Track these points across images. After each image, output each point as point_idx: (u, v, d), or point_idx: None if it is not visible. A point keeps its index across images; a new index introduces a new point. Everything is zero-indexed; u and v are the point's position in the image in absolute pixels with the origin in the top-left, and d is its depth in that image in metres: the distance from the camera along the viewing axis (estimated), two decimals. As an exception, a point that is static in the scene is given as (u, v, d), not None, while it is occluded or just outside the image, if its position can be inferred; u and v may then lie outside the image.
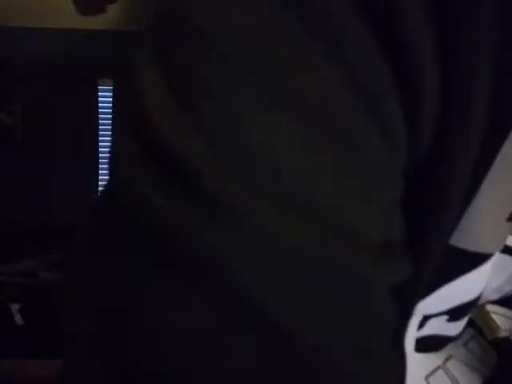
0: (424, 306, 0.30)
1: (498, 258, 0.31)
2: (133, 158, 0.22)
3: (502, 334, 0.36)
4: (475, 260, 0.29)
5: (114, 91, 1.45)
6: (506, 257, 0.32)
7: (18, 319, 1.21)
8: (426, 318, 0.33)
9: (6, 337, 1.16)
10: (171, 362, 0.21)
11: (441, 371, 0.37)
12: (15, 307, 1.22)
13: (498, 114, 0.25)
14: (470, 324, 0.35)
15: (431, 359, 0.37)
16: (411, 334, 0.32)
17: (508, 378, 0.36)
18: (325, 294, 0.22)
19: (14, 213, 1.43)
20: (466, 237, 0.28)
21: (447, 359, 0.38)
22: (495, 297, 0.36)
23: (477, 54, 0.23)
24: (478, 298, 0.32)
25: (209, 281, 0.20)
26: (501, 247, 0.30)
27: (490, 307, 0.37)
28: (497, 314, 0.37)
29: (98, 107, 1.45)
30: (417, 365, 0.36)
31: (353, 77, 0.21)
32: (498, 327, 0.37)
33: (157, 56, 0.22)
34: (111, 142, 0.25)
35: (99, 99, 1.46)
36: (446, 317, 0.33)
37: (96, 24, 1.33)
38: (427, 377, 0.36)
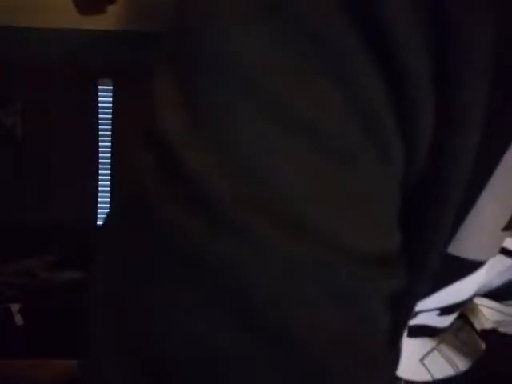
0: (419, 307, 0.31)
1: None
2: (146, 171, 0.23)
3: (490, 325, 0.38)
4: (470, 267, 0.30)
5: (113, 91, 1.45)
6: (499, 256, 0.33)
7: (18, 319, 1.21)
8: (418, 312, 0.34)
9: (6, 337, 1.16)
10: (190, 363, 0.22)
11: (435, 352, 0.38)
12: (15, 307, 1.22)
13: (497, 127, 0.26)
14: (459, 315, 0.37)
15: (425, 343, 0.38)
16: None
17: (495, 368, 0.38)
18: (325, 304, 0.23)
19: (14, 213, 1.43)
20: (462, 246, 0.29)
21: (439, 343, 0.39)
22: (484, 291, 0.37)
23: (472, 69, 0.24)
24: (470, 298, 0.34)
25: (220, 291, 0.22)
26: (495, 254, 0.31)
27: (478, 300, 0.38)
28: (485, 307, 0.38)
29: (97, 107, 1.45)
30: (411, 348, 0.37)
31: (352, 97, 0.22)
32: (486, 319, 0.38)
33: (170, 75, 0.23)
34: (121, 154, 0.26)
35: (99, 99, 1.46)
36: (437, 312, 0.34)
37: (96, 24, 1.33)
38: (422, 359, 0.38)
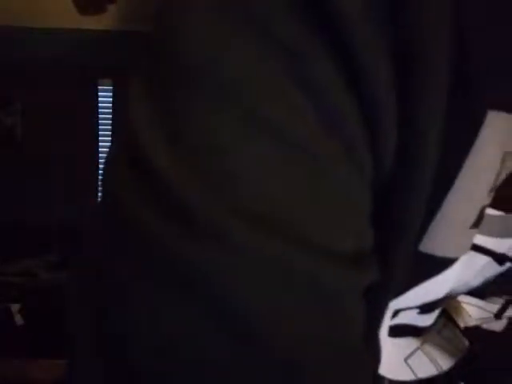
0: (395, 304, 0.32)
1: (469, 255, 0.33)
2: (126, 183, 0.24)
3: (473, 322, 0.39)
4: (442, 264, 0.31)
5: (113, 91, 1.45)
6: (472, 253, 0.34)
7: (18, 319, 1.21)
8: (398, 310, 0.35)
9: (6, 337, 1.16)
10: (164, 360, 0.23)
11: (419, 352, 0.39)
12: (15, 307, 1.22)
13: (460, 127, 0.27)
14: (443, 314, 0.38)
15: (409, 343, 0.39)
16: (385, 324, 0.34)
17: (479, 364, 0.38)
18: (300, 303, 0.24)
19: (14, 213, 1.43)
20: (433, 243, 0.30)
21: (423, 343, 0.40)
22: (465, 290, 0.38)
23: (433, 69, 0.25)
24: (446, 296, 0.35)
25: (197, 294, 0.23)
26: (466, 251, 0.32)
27: (461, 298, 0.39)
28: (468, 304, 0.39)
29: (97, 107, 1.45)
30: (395, 348, 0.38)
31: (316, 99, 0.24)
32: (469, 317, 0.39)
33: (146, 88, 0.25)
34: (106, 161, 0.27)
35: (99, 99, 1.46)
36: (417, 310, 0.35)
37: (96, 24, 1.33)
38: (406, 358, 0.39)
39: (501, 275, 0.38)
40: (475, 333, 0.39)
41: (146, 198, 0.23)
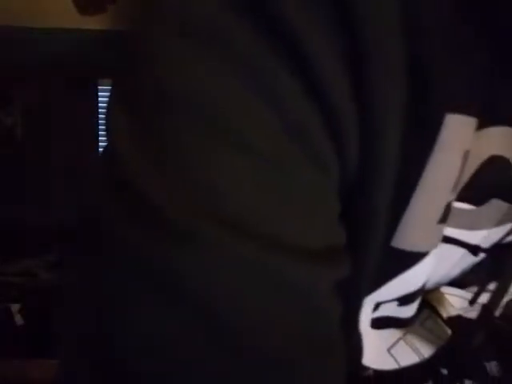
0: (374, 297, 0.34)
1: (442, 248, 0.35)
2: (100, 189, 0.26)
3: (455, 312, 0.40)
4: (413, 258, 0.33)
5: (114, 91, 1.45)
6: (448, 246, 0.36)
7: (18, 319, 1.21)
8: (378, 303, 0.37)
9: (6, 337, 1.16)
10: (146, 359, 0.24)
11: (402, 342, 0.41)
12: (15, 307, 1.22)
13: (420, 127, 0.28)
14: (426, 305, 0.39)
15: (392, 334, 0.41)
16: (366, 317, 0.36)
17: (461, 351, 0.40)
18: (273, 299, 0.25)
19: (14, 213, 1.43)
20: (404, 239, 0.31)
21: (406, 333, 0.42)
22: (445, 282, 0.40)
23: (387, 74, 0.27)
24: (422, 288, 0.36)
25: (171, 294, 0.24)
26: (436, 245, 0.34)
27: (444, 289, 0.41)
28: (450, 295, 0.40)
29: (98, 107, 1.45)
30: (379, 340, 0.40)
31: (284, 117, 0.25)
32: (451, 306, 0.40)
33: (121, 101, 0.27)
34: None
35: (99, 99, 1.46)
36: (396, 302, 0.37)
37: (96, 24, 1.33)
38: (389, 349, 0.41)
39: (478, 265, 0.40)
40: (457, 322, 0.40)
41: (118, 207, 0.25)
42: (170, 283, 0.24)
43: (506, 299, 0.42)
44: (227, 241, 0.24)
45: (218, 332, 0.24)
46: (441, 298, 0.40)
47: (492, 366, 0.43)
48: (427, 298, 0.40)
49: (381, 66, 0.26)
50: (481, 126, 0.31)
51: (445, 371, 0.41)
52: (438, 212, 0.32)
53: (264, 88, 0.25)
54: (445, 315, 0.40)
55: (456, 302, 0.41)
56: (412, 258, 0.33)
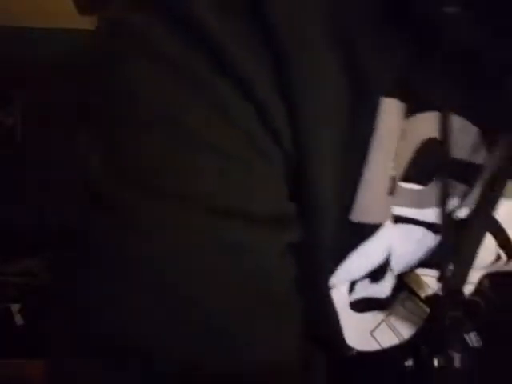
0: (343, 273, 0.37)
1: (403, 228, 0.39)
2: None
3: (432, 292, 0.43)
4: (369, 230, 0.36)
5: (114, 91, 1.45)
6: (408, 226, 0.39)
7: (18, 319, 1.21)
8: (352, 283, 0.40)
9: (6, 337, 1.16)
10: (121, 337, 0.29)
11: (384, 324, 0.44)
12: (15, 307, 1.22)
13: (362, 117, 0.33)
14: (404, 287, 0.43)
15: (374, 317, 0.44)
16: (342, 298, 0.39)
17: (439, 327, 0.42)
18: (222, 260, 0.29)
19: (14, 213, 1.43)
20: (360, 212, 0.35)
21: (388, 315, 0.44)
22: (415, 262, 0.43)
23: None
24: (386, 262, 0.39)
25: (131, 270, 0.28)
26: (389, 217, 0.37)
27: (419, 271, 0.43)
28: (426, 276, 0.43)
29: (98, 107, 1.45)
30: (361, 322, 0.43)
31: (229, 118, 0.29)
32: (428, 286, 0.43)
33: (84, 117, 0.33)
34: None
35: (99, 99, 1.45)
36: (367, 280, 0.40)
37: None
38: (372, 331, 0.43)
39: (441, 244, 0.42)
40: (434, 300, 0.43)
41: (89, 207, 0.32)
42: (107, 252, 0.29)
43: (477, 275, 0.45)
44: (186, 215, 0.28)
45: (168, 297, 0.28)
46: (417, 279, 0.43)
47: (471, 337, 0.46)
48: (405, 280, 0.43)
49: (305, 68, 0.29)
50: (413, 111, 0.35)
51: (425, 348, 0.43)
52: (386, 185, 0.35)
53: (209, 96, 0.28)
54: (422, 295, 0.43)
55: (431, 281, 0.43)
56: (368, 230, 0.36)
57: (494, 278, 0.48)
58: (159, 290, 0.28)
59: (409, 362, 0.45)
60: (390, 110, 0.33)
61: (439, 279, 0.41)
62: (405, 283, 0.43)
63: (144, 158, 0.29)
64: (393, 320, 0.44)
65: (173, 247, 0.28)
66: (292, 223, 0.33)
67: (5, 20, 1.29)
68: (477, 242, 0.40)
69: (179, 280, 0.28)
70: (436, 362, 0.41)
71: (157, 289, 0.28)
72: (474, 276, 0.44)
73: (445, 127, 0.34)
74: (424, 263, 0.43)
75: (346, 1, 0.31)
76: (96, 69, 0.34)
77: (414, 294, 0.43)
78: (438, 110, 0.35)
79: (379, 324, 0.44)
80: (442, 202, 0.38)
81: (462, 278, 0.40)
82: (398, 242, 0.39)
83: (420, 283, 0.43)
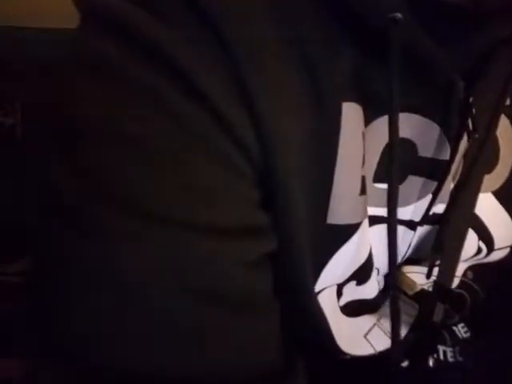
0: (327, 277, 0.38)
1: (382, 228, 0.40)
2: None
3: (418, 287, 0.45)
4: (348, 231, 0.38)
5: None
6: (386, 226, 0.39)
7: (18, 319, 1.21)
8: (339, 287, 0.41)
9: (5, 337, 1.16)
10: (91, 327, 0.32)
11: (376, 327, 0.45)
12: (15, 307, 1.22)
13: (327, 121, 0.34)
14: (392, 287, 0.43)
15: (367, 320, 0.45)
16: (330, 302, 0.40)
17: (428, 322, 0.43)
18: (186, 274, 0.30)
19: (13, 213, 1.43)
20: (336, 214, 0.36)
21: (379, 318, 0.45)
22: (401, 260, 0.45)
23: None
24: (369, 263, 0.41)
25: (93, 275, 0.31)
26: (364, 216, 0.39)
27: (405, 269, 0.46)
28: (411, 273, 0.45)
29: (97, 107, 1.45)
30: (354, 327, 0.44)
31: (189, 131, 0.30)
32: (414, 283, 0.45)
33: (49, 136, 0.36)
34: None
35: (99, 99, 1.45)
36: (353, 282, 0.42)
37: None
38: (366, 335, 0.45)
39: (424, 240, 0.44)
40: (422, 296, 0.44)
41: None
42: (96, 268, 0.30)
43: (463, 267, 0.46)
44: (147, 230, 0.29)
45: (130, 303, 0.30)
46: (403, 277, 0.45)
47: (460, 329, 0.47)
48: (392, 280, 0.43)
49: (261, 80, 0.31)
50: (373, 116, 0.37)
51: (417, 346, 0.44)
52: (357, 185, 0.37)
53: (162, 106, 0.30)
54: (410, 293, 0.44)
55: (417, 278, 0.44)
56: (346, 231, 0.38)
57: (476, 270, 0.49)
58: (121, 295, 0.30)
59: (404, 363, 0.46)
60: (350, 112, 0.34)
61: (428, 276, 0.41)
62: (392, 282, 0.43)
63: (104, 171, 0.31)
64: (384, 322, 0.45)
65: (137, 260, 0.29)
66: (265, 234, 0.34)
67: (4, 20, 1.30)
68: (460, 237, 0.41)
69: (141, 290, 0.30)
70: (431, 362, 0.42)
71: (119, 294, 0.29)
72: (458, 269, 0.45)
73: (393, 127, 0.35)
74: (410, 260, 0.45)
75: (299, 18, 0.32)
76: (57, 79, 0.37)
77: (402, 292, 0.44)
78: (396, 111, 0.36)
79: (372, 327, 0.45)
80: (419, 199, 0.40)
81: (451, 273, 0.41)
82: (378, 241, 0.40)
83: (405, 280, 0.44)
